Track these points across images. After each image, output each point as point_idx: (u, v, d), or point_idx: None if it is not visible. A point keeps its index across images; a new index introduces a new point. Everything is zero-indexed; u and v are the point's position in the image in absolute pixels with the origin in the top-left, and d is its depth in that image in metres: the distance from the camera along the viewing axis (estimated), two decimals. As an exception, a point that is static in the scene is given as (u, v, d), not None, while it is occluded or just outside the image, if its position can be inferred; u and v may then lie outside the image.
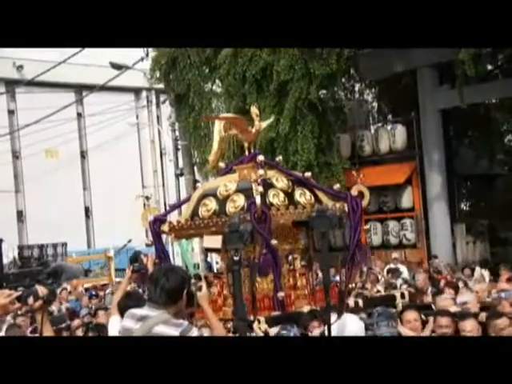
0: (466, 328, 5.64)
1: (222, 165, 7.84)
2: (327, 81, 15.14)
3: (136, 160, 35.18)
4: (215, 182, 7.78)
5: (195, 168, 19.79)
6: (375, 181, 14.84)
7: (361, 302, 7.62)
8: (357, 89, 18.91)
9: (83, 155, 34.00)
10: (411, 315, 6.27)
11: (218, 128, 7.91)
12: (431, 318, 6.49)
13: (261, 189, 6.99)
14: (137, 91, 33.84)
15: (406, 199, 17.17)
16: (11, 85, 30.59)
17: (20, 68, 30.54)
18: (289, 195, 7.25)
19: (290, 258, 7.30)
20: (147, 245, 8.23)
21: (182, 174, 22.24)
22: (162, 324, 4.30)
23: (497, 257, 17.22)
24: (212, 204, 7.22)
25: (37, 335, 5.04)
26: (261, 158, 7.35)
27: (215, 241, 5.95)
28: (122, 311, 5.36)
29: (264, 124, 8.10)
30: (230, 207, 7.08)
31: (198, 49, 16.94)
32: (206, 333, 4.56)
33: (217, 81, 17.64)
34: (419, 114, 17.42)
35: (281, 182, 7.37)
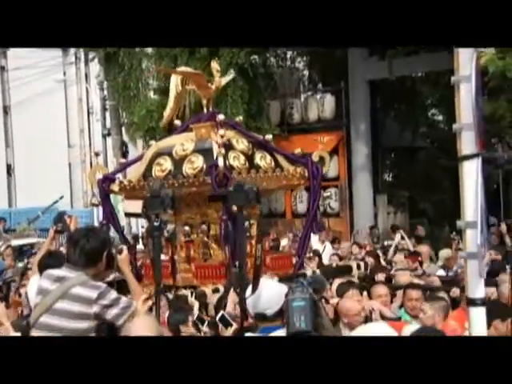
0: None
1: (177, 122, 7.50)
2: (257, 50, 15.09)
3: (62, 118, 34.39)
4: (170, 140, 7.36)
5: (123, 129, 19.54)
6: (303, 148, 14.85)
7: (318, 272, 7.61)
8: (288, 56, 18.88)
9: (6, 110, 33.15)
10: (382, 290, 6.39)
11: (174, 83, 7.57)
12: (400, 292, 6.55)
13: (223, 150, 6.68)
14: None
15: (332, 168, 17.29)
16: None
17: None
18: (249, 158, 6.97)
19: (247, 224, 7.01)
20: (93, 204, 7.89)
21: (109, 135, 21.99)
22: (80, 285, 4.20)
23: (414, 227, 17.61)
24: (167, 164, 6.89)
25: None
26: (221, 117, 7.06)
27: (136, 206, 5.74)
28: (41, 271, 5.23)
29: (224, 80, 7.74)
30: (187, 168, 6.76)
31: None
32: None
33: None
34: (348, 85, 17.53)
35: (241, 143, 7.07)
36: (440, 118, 19.70)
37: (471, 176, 3.40)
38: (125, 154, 20.02)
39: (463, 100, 3.33)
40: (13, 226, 23.61)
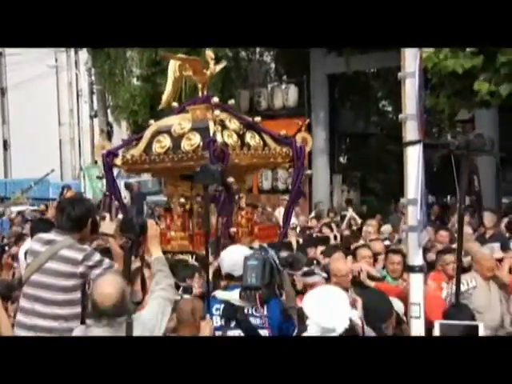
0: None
1: (175, 104, 7.33)
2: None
3: (53, 99, 34.00)
4: (168, 120, 7.19)
5: (108, 111, 19.34)
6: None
7: (301, 241, 7.60)
8: (257, 50, 18.78)
9: (2, 92, 32.80)
10: (366, 252, 6.36)
11: (172, 68, 7.41)
12: (381, 257, 6.53)
13: (219, 128, 6.63)
14: (57, 36, 32.47)
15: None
16: None
17: None
18: (241, 137, 6.88)
19: (237, 197, 6.92)
20: (98, 177, 7.76)
21: (95, 116, 21.78)
22: (67, 248, 4.19)
23: (365, 203, 17.76)
24: (166, 141, 6.77)
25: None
26: (215, 99, 6.97)
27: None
28: (33, 235, 5.19)
29: (218, 68, 7.54)
30: (185, 144, 6.65)
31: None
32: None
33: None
34: (309, 77, 17.54)
35: (233, 123, 6.97)
36: (389, 108, 19.78)
37: (413, 159, 3.45)
38: (109, 133, 19.87)
39: (408, 93, 3.38)
40: (8, 195, 23.38)
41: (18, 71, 30.18)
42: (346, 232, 10.55)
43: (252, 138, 6.97)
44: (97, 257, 4.24)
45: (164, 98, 7.56)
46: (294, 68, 18.36)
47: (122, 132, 18.34)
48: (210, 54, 7.43)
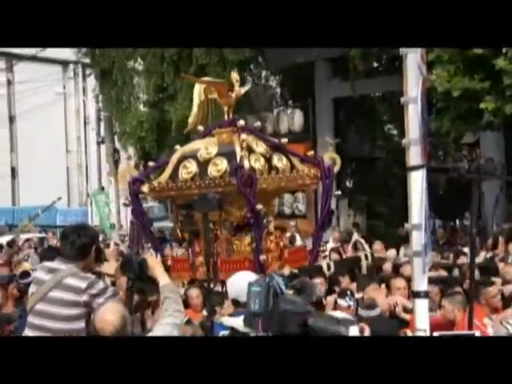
0: None
1: (200, 128, 7.21)
2: (239, 67, 15.07)
3: (61, 127, 34.28)
4: (194, 144, 7.10)
5: (115, 137, 19.40)
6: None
7: (332, 265, 7.43)
8: (263, 75, 18.88)
9: (11, 120, 32.94)
10: (401, 283, 6.00)
11: (198, 91, 7.31)
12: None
13: (246, 153, 6.52)
14: (64, 63, 32.79)
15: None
16: None
17: None
18: (268, 160, 6.76)
19: (265, 221, 6.74)
20: (125, 204, 7.70)
21: (102, 142, 21.86)
22: (71, 276, 4.17)
23: (371, 227, 17.67)
24: (192, 167, 6.67)
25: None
26: (242, 122, 6.91)
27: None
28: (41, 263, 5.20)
29: (243, 90, 7.46)
30: (212, 170, 6.55)
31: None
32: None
33: (138, 59, 17.24)
34: (315, 101, 17.57)
35: (260, 146, 6.84)
36: (394, 132, 19.79)
37: (417, 184, 3.43)
38: (117, 160, 19.92)
39: (411, 118, 3.36)
40: (15, 223, 23.39)
41: (26, 98, 30.45)
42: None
43: (279, 161, 6.86)
44: (101, 285, 4.22)
45: (190, 121, 7.46)
46: (299, 92, 18.41)
47: (129, 158, 18.40)
48: (235, 76, 7.37)
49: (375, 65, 16.25)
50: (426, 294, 3.58)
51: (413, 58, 3.31)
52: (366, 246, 11.60)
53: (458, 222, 16.27)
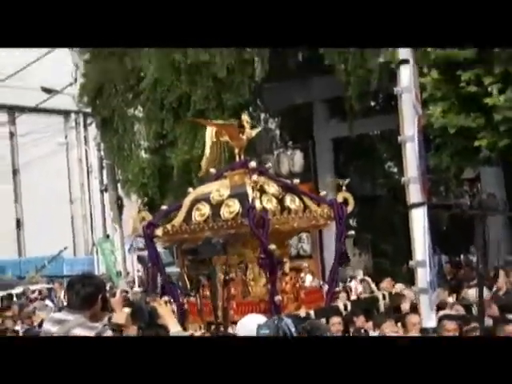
0: None
1: (212, 170, 7.30)
2: (238, 111, 15.21)
3: (64, 176, 34.46)
4: (206, 187, 7.19)
5: (118, 185, 19.45)
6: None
7: (349, 305, 7.39)
8: (262, 118, 19.03)
9: (15, 172, 33.13)
10: (415, 319, 5.82)
11: (210, 134, 7.41)
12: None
13: (258, 194, 6.58)
14: (66, 113, 33.08)
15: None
16: None
17: None
18: (280, 201, 6.82)
19: (280, 262, 6.75)
20: (140, 249, 7.71)
21: (106, 190, 21.85)
22: (79, 327, 4.13)
23: (377, 265, 17.59)
24: (205, 209, 6.74)
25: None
26: (253, 164, 6.98)
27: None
28: None
29: (254, 132, 7.56)
30: (224, 212, 6.62)
31: (123, 76, 16.69)
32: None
33: (138, 106, 17.37)
34: (314, 142, 17.67)
35: (272, 187, 6.92)
36: (395, 170, 19.81)
37: (419, 221, 3.43)
38: (120, 207, 19.97)
39: (409, 156, 3.38)
40: (23, 274, 23.36)
41: (28, 150, 30.67)
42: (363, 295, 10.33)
43: (292, 202, 6.89)
44: (108, 333, 4.20)
45: (203, 164, 7.54)
46: (299, 134, 18.51)
47: (132, 205, 18.45)
48: (245, 118, 7.43)
49: (372, 104, 16.36)
50: (435, 331, 3.57)
51: (407, 98, 3.36)
52: (373, 285, 11.53)
53: (462, 257, 16.22)
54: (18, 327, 9.56)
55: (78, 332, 4.13)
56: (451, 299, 8.38)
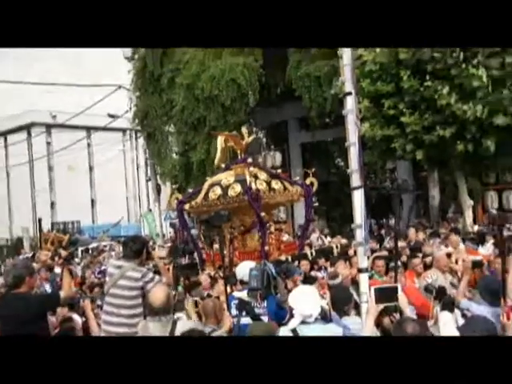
0: None
1: (222, 165, 7.25)
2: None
3: (122, 171, 34.47)
4: (219, 176, 7.10)
5: (157, 176, 19.43)
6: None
7: (314, 252, 7.39)
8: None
9: (90, 168, 33.28)
10: (379, 262, 5.70)
11: (220, 141, 7.32)
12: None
13: (253, 180, 6.58)
14: (123, 131, 32.99)
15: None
16: (48, 127, 30.93)
17: (54, 117, 30.36)
18: (268, 184, 6.81)
19: (268, 224, 6.80)
20: (171, 218, 7.58)
21: (149, 180, 21.86)
22: (131, 270, 4.14)
23: (330, 227, 17.56)
24: (218, 190, 6.70)
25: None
26: (250, 160, 7.00)
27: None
28: None
29: (250, 139, 7.47)
30: (231, 192, 6.58)
31: (161, 105, 16.59)
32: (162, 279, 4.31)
33: (171, 125, 17.30)
34: (289, 146, 17.64)
35: (262, 175, 6.91)
36: (342, 164, 19.81)
37: (358, 198, 3.41)
38: (159, 191, 20.07)
39: (352, 155, 3.35)
40: (95, 235, 23.41)
41: (99, 153, 30.66)
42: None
43: (276, 184, 6.91)
44: (150, 274, 4.20)
45: (216, 161, 7.48)
46: (278, 140, 18.46)
47: (167, 191, 18.42)
48: (244, 130, 7.47)
49: (327, 120, 16.31)
50: (367, 270, 3.56)
51: (351, 117, 3.33)
52: (326, 240, 11.56)
53: (384, 220, 16.28)
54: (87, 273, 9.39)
55: (130, 273, 4.11)
56: (378, 247, 8.39)
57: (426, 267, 5.50)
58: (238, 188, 6.60)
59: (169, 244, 12.94)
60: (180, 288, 4.84)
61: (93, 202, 33.40)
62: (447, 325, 2.81)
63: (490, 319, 3.03)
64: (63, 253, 4.38)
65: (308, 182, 7.20)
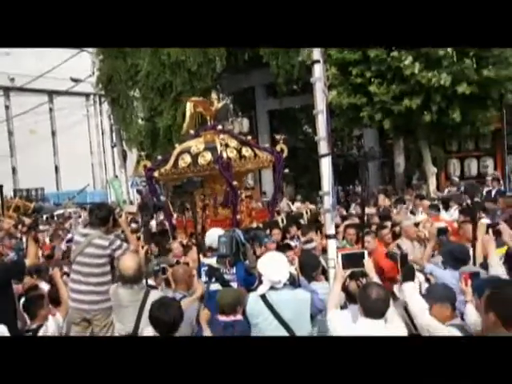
0: None
1: (191, 132, 7.06)
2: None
3: (86, 137, 33.60)
4: (188, 143, 6.92)
5: (123, 142, 19.03)
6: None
7: (285, 219, 7.36)
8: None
9: (53, 133, 32.29)
10: (351, 231, 5.68)
11: (189, 107, 7.14)
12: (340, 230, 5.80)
13: (224, 147, 6.44)
14: (87, 95, 31.98)
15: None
16: (6, 90, 29.48)
17: (12, 80, 28.76)
18: (239, 151, 6.68)
19: (239, 192, 6.68)
20: (137, 185, 7.46)
21: (115, 146, 21.40)
22: (98, 238, 4.09)
23: (298, 193, 17.73)
24: (187, 158, 6.57)
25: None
26: (220, 127, 6.81)
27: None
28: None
29: (219, 105, 7.29)
30: (201, 160, 6.47)
31: (126, 70, 16.11)
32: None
33: (136, 90, 16.87)
34: (256, 113, 17.50)
35: (233, 142, 6.77)
36: (310, 130, 19.88)
37: (326, 166, 3.45)
38: (125, 157, 19.71)
39: (319, 123, 3.37)
40: (60, 202, 22.93)
41: (63, 119, 29.74)
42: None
43: (247, 151, 6.80)
44: (118, 242, 4.16)
45: (184, 127, 7.33)
46: (246, 107, 18.28)
47: (133, 157, 18.10)
48: (214, 96, 7.29)
49: (295, 87, 16.20)
50: (334, 236, 3.64)
51: (319, 85, 3.32)
52: (293, 206, 11.64)
53: (351, 187, 16.56)
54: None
55: (97, 241, 4.06)
56: (344, 212, 8.52)
57: (395, 236, 5.59)
58: (208, 156, 6.51)
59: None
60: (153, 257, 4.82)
61: (56, 168, 32.48)
62: (413, 297, 2.92)
63: (449, 286, 3.17)
64: (27, 220, 4.28)
65: (278, 148, 7.11)
